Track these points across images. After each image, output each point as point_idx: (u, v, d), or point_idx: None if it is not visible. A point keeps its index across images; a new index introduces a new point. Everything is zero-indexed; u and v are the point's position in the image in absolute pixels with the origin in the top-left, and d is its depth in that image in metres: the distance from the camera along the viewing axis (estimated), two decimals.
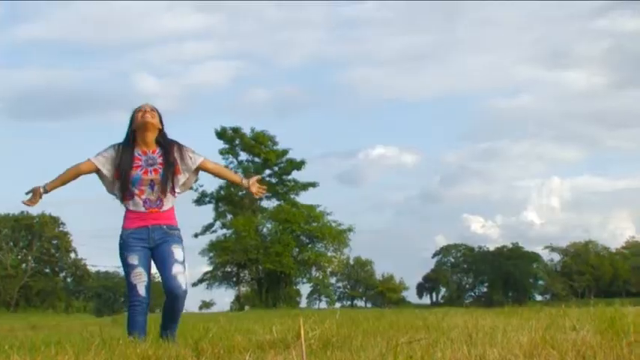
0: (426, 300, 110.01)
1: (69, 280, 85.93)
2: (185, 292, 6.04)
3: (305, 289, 74.17)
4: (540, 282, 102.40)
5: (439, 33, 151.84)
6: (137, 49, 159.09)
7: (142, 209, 6.05)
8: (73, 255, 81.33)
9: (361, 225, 79.71)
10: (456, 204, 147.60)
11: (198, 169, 6.37)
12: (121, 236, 6.07)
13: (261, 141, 61.71)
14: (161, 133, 6.21)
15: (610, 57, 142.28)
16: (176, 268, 6.00)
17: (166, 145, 6.19)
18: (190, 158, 6.27)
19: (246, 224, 58.83)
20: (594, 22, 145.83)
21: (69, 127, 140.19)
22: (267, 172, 62.17)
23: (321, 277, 66.23)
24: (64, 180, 6.10)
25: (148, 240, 6.03)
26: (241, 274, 64.13)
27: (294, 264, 59.99)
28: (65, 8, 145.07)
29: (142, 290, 5.96)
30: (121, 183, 6.05)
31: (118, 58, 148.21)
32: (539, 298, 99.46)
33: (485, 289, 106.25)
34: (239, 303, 63.66)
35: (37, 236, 75.82)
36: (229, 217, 62.52)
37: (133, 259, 5.98)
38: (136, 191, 6.05)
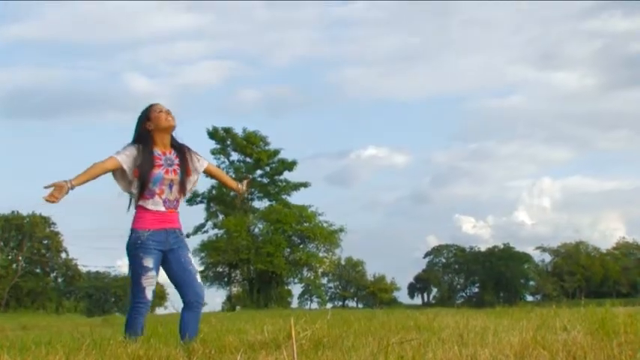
0: (418, 300, 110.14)
1: (60, 280, 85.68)
2: None
3: (296, 289, 74.18)
4: (531, 282, 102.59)
5: (430, 33, 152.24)
6: (128, 48, 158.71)
7: (162, 209, 6.03)
8: (63, 255, 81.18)
9: (352, 225, 79.99)
10: (447, 204, 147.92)
11: (203, 172, 6.45)
12: (138, 236, 5.96)
13: (252, 141, 61.73)
14: (172, 136, 6.27)
15: (601, 58, 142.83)
16: (199, 278, 6.15)
17: (180, 147, 6.25)
18: (198, 161, 6.34)
19: (237, 224, 58.83)
20: (585, 23, 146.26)
21: (60, 127, 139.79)
22: (259, 172, 62.26)
23: (312, 277, 66.24)
24: (90, 176, 5.92)
25: (165, 243, 6.01)
26: (233, 275, 64.15)
27: (285, 264, 60.01)
28: (57, 8, 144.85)
29: (149, 294, 5.96)
30: (142, 181, 5.98)
31: (110, 58, 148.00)
32: (530, 298, 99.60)
33: (476, 290, 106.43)
34: (230, 303, 63.59)
35: (28, 236, 75.56)
36: (221, 217, 62.53)
37: (149, 262, 5.92)
38: (157, 190, 6.02)
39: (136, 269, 5.95)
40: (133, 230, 6.01)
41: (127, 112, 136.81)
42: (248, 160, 62.25)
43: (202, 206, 62.41)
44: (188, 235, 59.51)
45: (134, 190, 6.05)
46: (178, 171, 6.11)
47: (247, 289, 62.68)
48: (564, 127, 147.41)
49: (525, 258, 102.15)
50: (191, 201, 61.60)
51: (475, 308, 19.60)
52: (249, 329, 7.37)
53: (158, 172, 6.01)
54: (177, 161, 6.15)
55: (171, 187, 6.08)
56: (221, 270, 63.35)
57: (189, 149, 6.30)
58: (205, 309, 6.80)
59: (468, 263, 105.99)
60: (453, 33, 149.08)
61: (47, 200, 5.65)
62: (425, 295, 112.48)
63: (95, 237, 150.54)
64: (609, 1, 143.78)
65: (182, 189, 6.14)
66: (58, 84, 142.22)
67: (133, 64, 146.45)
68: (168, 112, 6.13)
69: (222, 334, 6.21)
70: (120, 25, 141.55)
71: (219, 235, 61.52)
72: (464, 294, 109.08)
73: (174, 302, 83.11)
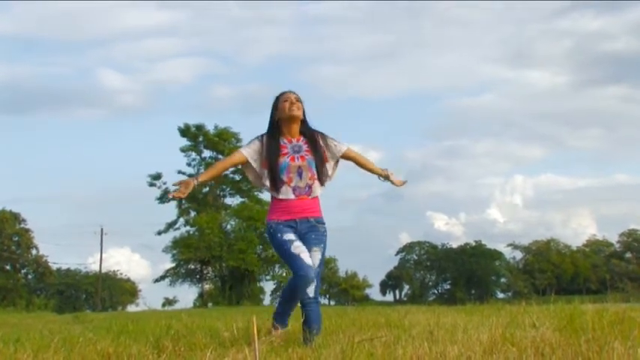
0: (390, 297, 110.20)
1: (30, 277, 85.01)
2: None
3: (269, 286, 74.09)
4: (503, 279, 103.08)
5: (404, 32, 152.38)
6: (101, 45, 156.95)
7: (292, 196, 5.93)
8: (34, 252, 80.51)
9: (325, 222, 79.45)
10: (420, 201, 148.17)
11: (341, 157, 6.35)
12: (271, 225, 5.92)
13: (224, 138, 61.63)
14: (304, 123, 6.13)
15: (573, 57, 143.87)
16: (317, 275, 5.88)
17: (311, 133, 6.13)
18: (335, 146, 6.25)
19: (209, 221, 58.71)
20: (557, 22, 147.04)
21: (31, 123, 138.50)
22: (231, 169, 62.08)
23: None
24: (217, 171, 6.15)
25: (296, 230, 5.89)
26: (205, 271, 63.99)
27: (257, 261, 60.00)
28: (28, 4, 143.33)
29: (307, 259, 5.72)
30: (270, 172, 5.94)
31: (82, 54, 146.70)
32: (501, 295, 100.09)
33: (448, 287, 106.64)
34: (202, 300, 63.47)
35: None
36: (193, 214, 62.36)
37: (290, 236, 5.81)
38: (285, 179, 5.93)
39: (282, 245, 5.80)
40: (267, 222, 6.03)
41: (99, 108, 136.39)
42: (220, 157, 62.05)
43: (174, 203, 62.25)
44: (160, 232, 59.75)
45: (266, 182, 6.00)
46: (307, 157, 6.01)
47: (219, 286, 62.57)
48: (536, 125, 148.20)
49: (497, 255, 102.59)
50: (162, 198, 61.47)
51: (446, 305, 19.66)
52: (220, 326, 7.35)
53: (283, 160, 5.93)
54: (306, 147, 6.05)
55: (300, 174, 5.97)
56: (193, 267, 63.19)
57: (323, 135, 6.20)
58: (177, 306, 6.77)
59: (439, 260, 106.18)
60: (427, 32, 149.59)
61: (174, 196, 5.70)
62: (397, 292, 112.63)
63: (66, 234, 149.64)
64: (581, 0, 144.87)
65: (313, 173, 6.01)
66: (30, 80, 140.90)
67: (106, 61, 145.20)
68: (292, 102, 6.04)
69: (192, 332, 6.19)
70: (93, 22, 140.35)
71: (191, 232, 61.36)
72: (435, 291, 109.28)
73: (145, 299, 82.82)
